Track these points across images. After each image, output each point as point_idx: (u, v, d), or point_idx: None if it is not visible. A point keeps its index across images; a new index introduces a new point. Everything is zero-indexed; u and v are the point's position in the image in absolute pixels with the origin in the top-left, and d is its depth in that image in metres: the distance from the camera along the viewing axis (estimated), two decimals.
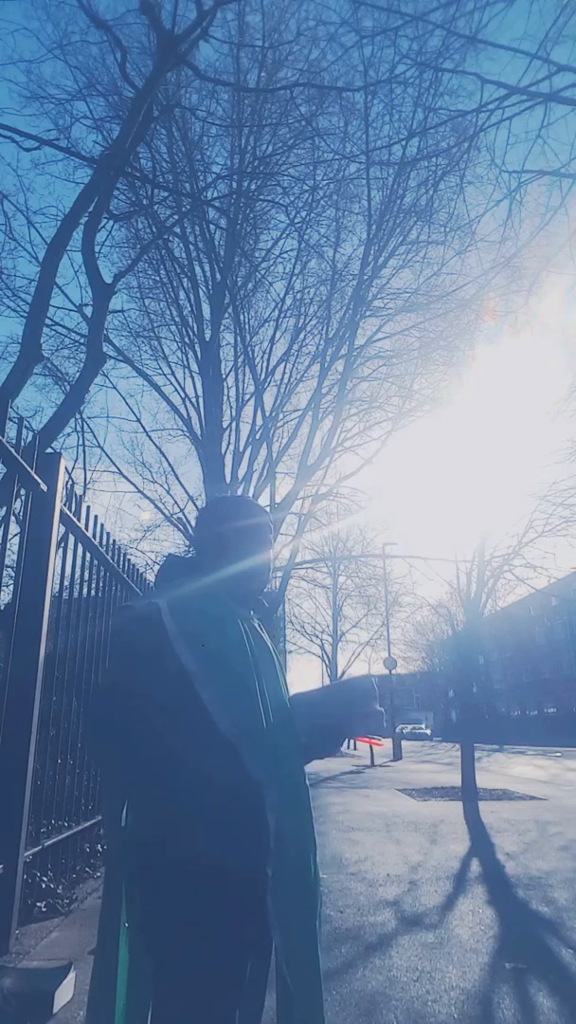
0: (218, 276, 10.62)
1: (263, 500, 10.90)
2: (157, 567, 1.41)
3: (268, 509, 10.21)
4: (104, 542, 3.82)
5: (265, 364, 11.45)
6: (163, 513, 11.72)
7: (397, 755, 19.82)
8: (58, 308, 9.21)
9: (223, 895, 1.01)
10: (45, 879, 2.98)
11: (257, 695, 1.15)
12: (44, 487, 2.88)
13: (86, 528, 3.48)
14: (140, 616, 1.14)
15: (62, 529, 3.15)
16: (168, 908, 1.02)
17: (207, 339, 10.86)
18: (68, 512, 3.16)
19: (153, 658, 1.08)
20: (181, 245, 10.54)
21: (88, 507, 3.54)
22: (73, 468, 9.55)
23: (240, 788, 1.05)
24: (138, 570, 4.72)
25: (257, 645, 1.23)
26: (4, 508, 2.73)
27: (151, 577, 5.63)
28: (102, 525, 3.79)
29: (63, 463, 3.05)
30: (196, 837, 1.02)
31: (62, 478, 3.05)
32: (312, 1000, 1.09)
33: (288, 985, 1.05)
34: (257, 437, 11.14)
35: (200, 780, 1.04)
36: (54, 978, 2.05)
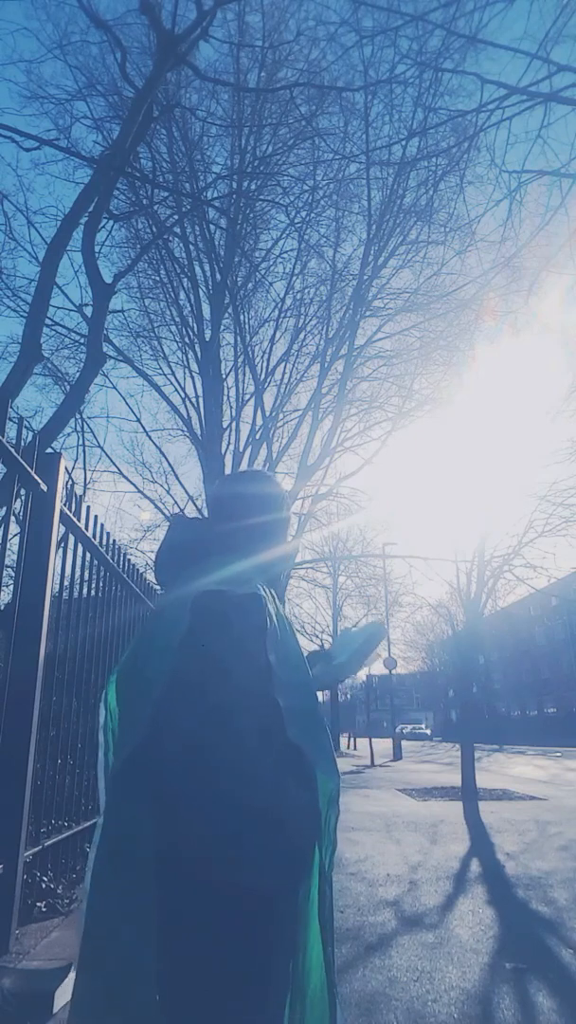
0: (218, 276, 10.62)
1: None
2: (160, 548, 1.34)
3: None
4: (104, 542, 3.82)
5: (265, 364, 11.47)
6: (163, 513, 11.73)
7: (397, 755, 19.83)
8: (58, 308, 9.21)
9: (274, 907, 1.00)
10: (45, 879, 2.98)
11: (318, 703, 1.13)
12: (44, 487, 2.88)
13: (86, 528, 3.48)
14: (251, 607, 1.09)
15: (62, 529, 3.15)
16: (217, 916, 0.97)
17: (207, 339, 10.86)
18: (68, 512, 3.16)
19: (254, 653, 1.04)
20: (181, 245, 10.55)
21: (88, 507, 3.53)
22: (73, 468, 9.56)
23: (299, 793, 1.04)
24: (138, 570, 4.71)
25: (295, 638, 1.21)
26: (4, 508, 2.73)
27: (151, 577, 5.62)
28: (102, 525, 3.78)
29: (63, 463, 3.05)
30: (254, 837, 0.98)
31: (62, 478, 3.04)
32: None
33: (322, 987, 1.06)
34: (257, 437, 11.14)
35: (263, 783, 1.00)
36: (54, 978, 2.05)
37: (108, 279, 6.12)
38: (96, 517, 3.66)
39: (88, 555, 3.62)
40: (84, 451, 9.72)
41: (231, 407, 11.45)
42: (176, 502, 12.47)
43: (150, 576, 5.61)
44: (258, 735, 1.00)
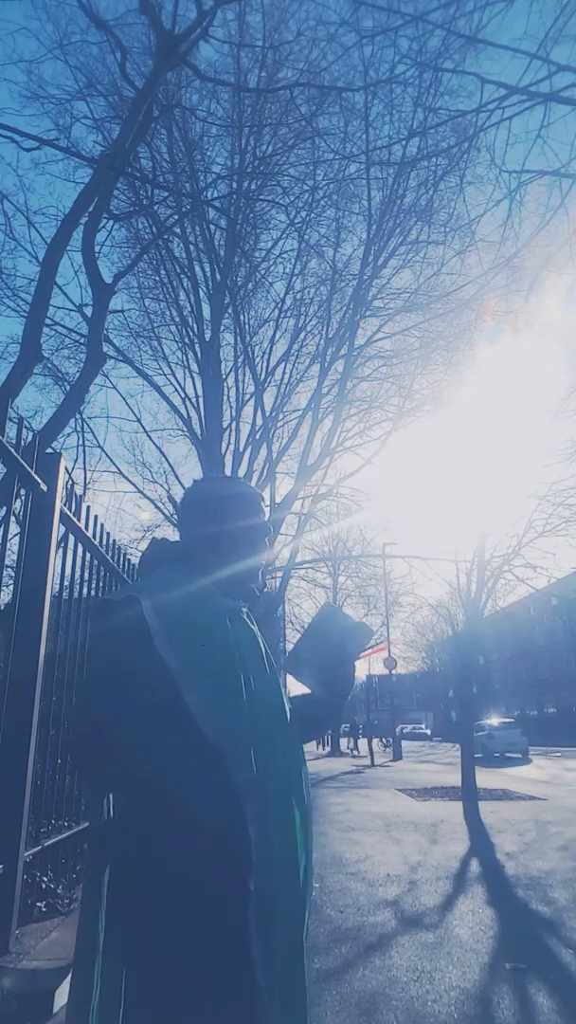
0: (218, 276, 10.61)
1: None
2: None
3: (268, 510, 10.19)
4: (104, 542, 3.82)
5: (265, 364, 11.46)
6: (163, 513, 11.74)
7: (397, 755, 19.83)
8: (58, 308, 9.21)
9: (199, 917, 0.96)
10: (45, 879, 2.98)
11: (244, 697, 1.09)
12: (44, 487, 2.88)
13: (86, 528, 3.48)
14: (122, 611, 1.09)
15: (62, 529, 3.15)
16: (142, 924, 0.98)
17: (207, 339, 10.85)
18: (68, 512, 3.16)
19: (136, 656, 1.04)
20: (181, 245, 10.54)
21: (88, 507, 3.53)
22: (73, 468, 9.54)
23: (225, 796, 1.01)
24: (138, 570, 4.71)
25: (246, 642, 1.18)
26: (4, 508, 2.73)
27: None
28: (102, 525, 3.79)
29: (63, 463, 3.05)
30: (178, 849, 0.97)
31: (62, 478, 3.04)
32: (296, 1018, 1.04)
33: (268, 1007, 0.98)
34: (257, 437, 11.14)
35: (183, 786, 0.99)
36: (54, 978, 2.05)
37: (108, 279, 6.12)
38: (96, 517, 3.67)
39: (88, 555, 3.62)
40: (84, 451, 9.73)
41: (231, 407, 11.46)
42: (176, 502, 12.47)
43: None
44: (148, 728, 1.02)
